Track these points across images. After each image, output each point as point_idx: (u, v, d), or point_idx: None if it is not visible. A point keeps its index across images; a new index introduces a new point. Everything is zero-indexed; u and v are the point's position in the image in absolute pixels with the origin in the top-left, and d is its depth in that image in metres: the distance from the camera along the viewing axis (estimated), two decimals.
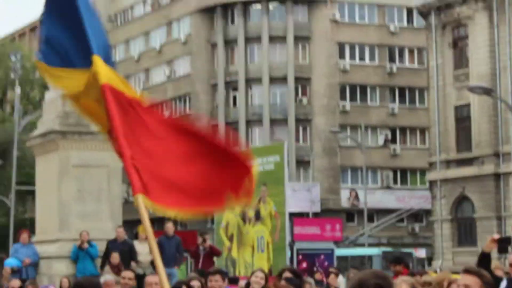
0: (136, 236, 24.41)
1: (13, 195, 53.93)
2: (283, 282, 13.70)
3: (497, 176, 53.89)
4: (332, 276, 22.06)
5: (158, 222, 69.13)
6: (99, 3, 75.07)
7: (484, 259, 12.42)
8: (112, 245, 22.60)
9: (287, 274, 14.11)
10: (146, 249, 23.66)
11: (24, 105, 63.85)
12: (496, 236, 13.12)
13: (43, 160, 25.36)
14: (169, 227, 24.65)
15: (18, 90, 57.69)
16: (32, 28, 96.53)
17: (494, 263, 13.93)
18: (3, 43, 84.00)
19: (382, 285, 4.22)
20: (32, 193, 37.03)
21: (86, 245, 22.75)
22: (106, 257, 22.56)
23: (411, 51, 75.95)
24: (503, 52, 53.01)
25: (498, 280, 12.19)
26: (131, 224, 56.83)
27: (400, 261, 17.92)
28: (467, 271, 7.92)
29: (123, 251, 22.45)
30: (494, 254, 14.36)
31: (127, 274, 14.15)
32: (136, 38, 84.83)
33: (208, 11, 76.28)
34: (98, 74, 6.74)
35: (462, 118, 56.62)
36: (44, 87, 38.13)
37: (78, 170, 23.95)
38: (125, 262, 21.58)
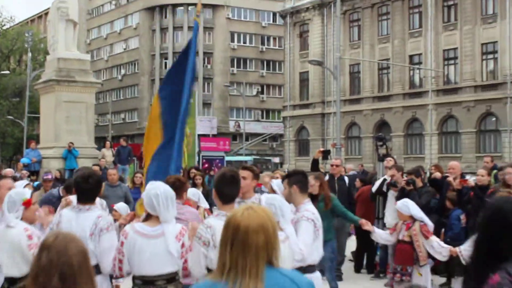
0: (104, 146, 24.01)
1: (26, 119, 52.95)
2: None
3: (323, 115, 54.69)
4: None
5: (116, 138, 67.83)
6: (81, 1, 72.76)
7: (314, 163, 12.67)
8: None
9: (193, 170, 14.28)
10: (110, 153, 23.44)
11: (33, 64, 62.09)
12: (322, 149, 13.38)
13: (44, 98, 24.80)
14: (122, 141, 24.40)
15: (29, 54, 56.60)
16: (39, 16, 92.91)
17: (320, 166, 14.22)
18: (21, 25, 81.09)
19: None
20: (38, 118, 36.07)
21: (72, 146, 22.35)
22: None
23: (274, 38, 75.72)
24: (329, 41, 53.45)
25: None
26: (100, 139, 55.79)
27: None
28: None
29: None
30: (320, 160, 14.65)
31: (112, 171, 13.51)
32: (105, 25, 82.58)
33: (151, 9, 74.70)
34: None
35: (303, 79, 57.08)
36: (46, 53, 36.88)
37: (67, 104, 23.49)
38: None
